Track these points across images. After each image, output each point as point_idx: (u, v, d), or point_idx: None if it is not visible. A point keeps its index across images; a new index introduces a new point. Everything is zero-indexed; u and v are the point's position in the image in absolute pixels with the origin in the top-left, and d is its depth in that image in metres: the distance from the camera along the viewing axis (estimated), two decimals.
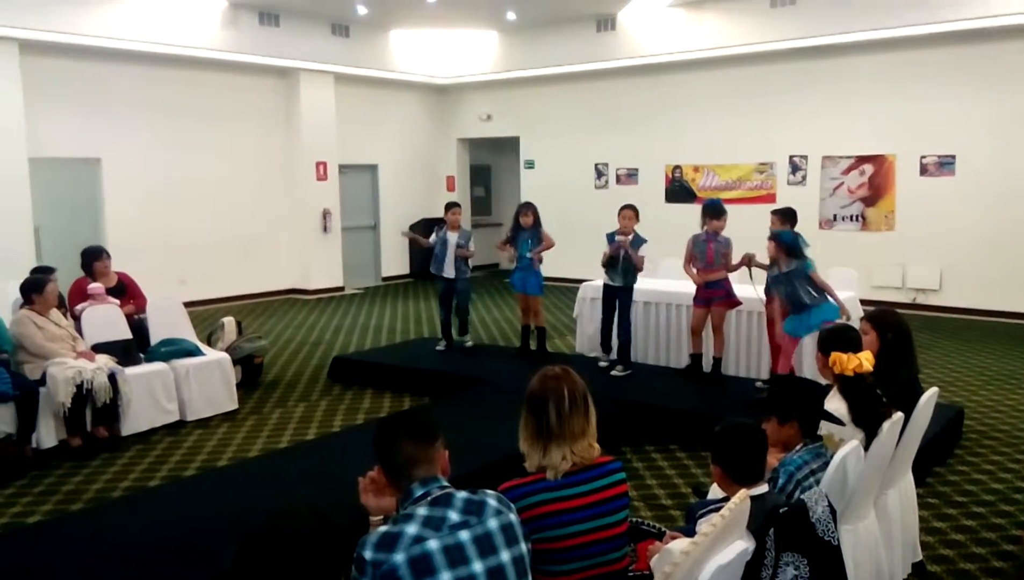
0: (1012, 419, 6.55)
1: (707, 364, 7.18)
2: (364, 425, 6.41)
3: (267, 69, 12.89)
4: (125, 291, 7.24)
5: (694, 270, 6.98)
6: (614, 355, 7.42)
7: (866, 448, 3.22)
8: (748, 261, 6.84)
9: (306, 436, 6.34)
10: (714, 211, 6.97)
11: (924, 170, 11.22)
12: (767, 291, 6.69)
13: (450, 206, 8.43)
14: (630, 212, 7.15)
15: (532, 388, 2.66)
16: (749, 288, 6.88)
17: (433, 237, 8.35)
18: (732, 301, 6.98)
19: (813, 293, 6.09)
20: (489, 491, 2.29)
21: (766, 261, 6.83)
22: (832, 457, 3.03)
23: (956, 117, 10.87)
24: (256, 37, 12.25)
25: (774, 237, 6.32)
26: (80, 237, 9.81)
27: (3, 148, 9.89)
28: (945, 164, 11.06)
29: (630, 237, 7.06)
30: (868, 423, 3.34)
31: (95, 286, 6.94)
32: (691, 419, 5.94)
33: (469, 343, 8.50)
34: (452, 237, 8.15)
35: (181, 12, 11.31)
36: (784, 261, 6.19)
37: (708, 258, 6.89)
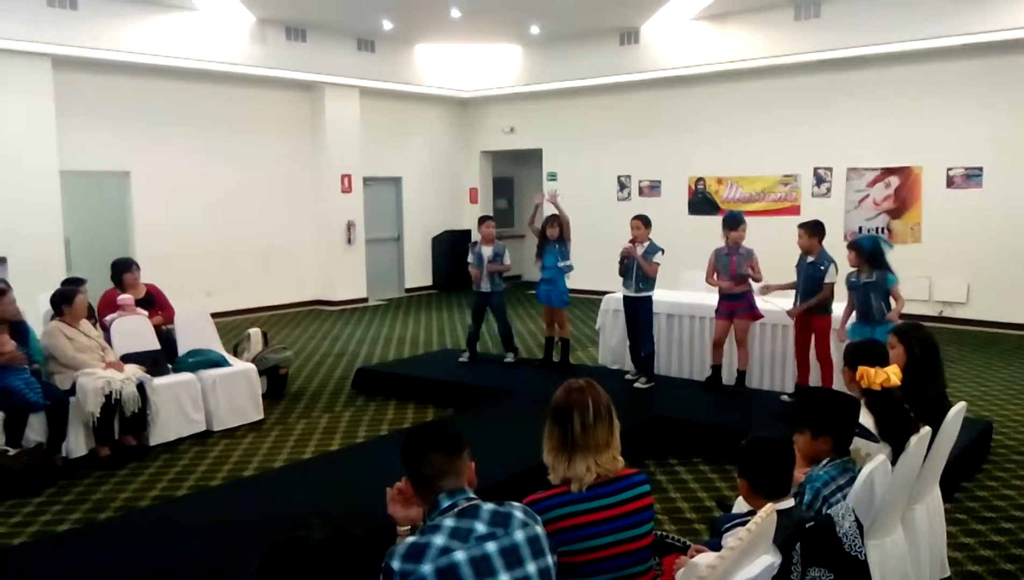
0: None
1: (731, 377, 7.16)
2: (388, 436, 6.44)
3: (294, 83, 13.05)
4: (154, 302, 7.33)
5: (716, 280, 7.00)
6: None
7: (893, 463, 3.19)
8: (765, 291, 6.83)
9: (331, 446, 6.38)
10: (731, 222, 6.98)
11: (951, 182, 11.11)
12: (801, 298, 6.64)
13: (483, 220, 8.41)
14: (637, 221, 7.18)
15: (556, 400, 2.67)
16: (775, 300, 6.86)
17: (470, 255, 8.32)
18: (755, 314, 6.96)
19: (885, 310, 5.99)
20: (515, 503, 2.30)
21: (788, 280, 6.81)
22: (859, 472, 3.02)
23: (983, 129, 10.77)
24: (283, 52, 12.41)
25: (853, 245, 6.16)
26: (109, 249, 9.95)
27: (35, 161, 10.07)
28: (972, 176, 10.95)
29: (644, 245, 7.08)
30: (895, 438, 3.32)
31: (124, 297, 7.03)
32: (715, 433, 5.92)
33: (509, 358, 8.24)
34: (487, 250, 8.11)
35: (210, 28, 11.49)
36: (866, 270, 6.05)
37: (731, 271, 6.88)
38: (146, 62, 11.00)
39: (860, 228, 11.70)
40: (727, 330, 6.99)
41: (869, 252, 6.05)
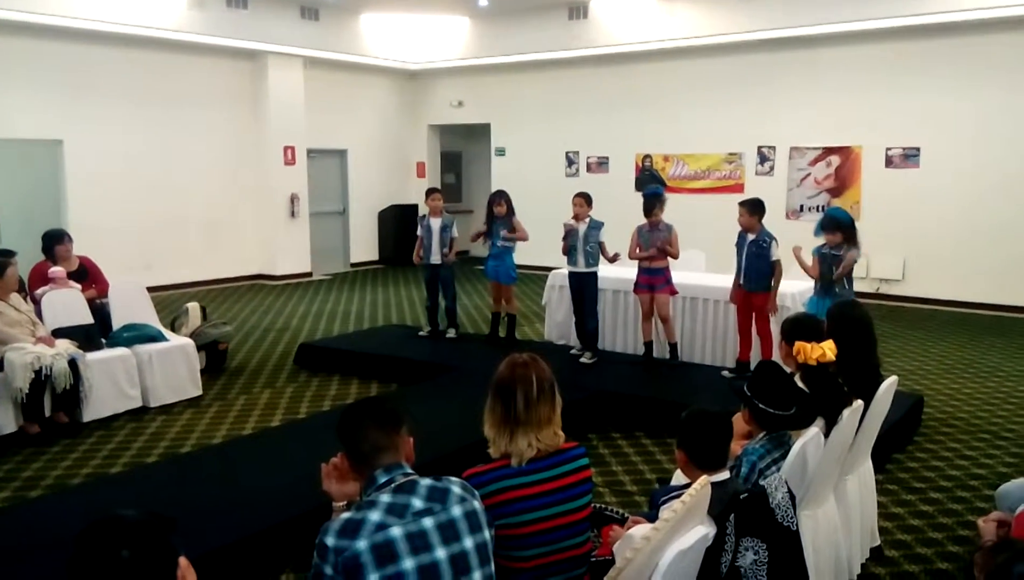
0: (970, 407, 6.69)
1: (664, 352, 7.26)
2: (330, 412, 6.37)
3: (235, 52, 12.70)
4: (87, 275, 7.12)
5: (638, 252, 7.10)
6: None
7: (826, 435, 3.26)
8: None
9: (271, 422, 6.29)
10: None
11: (889, 162, 11.37)
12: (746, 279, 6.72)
13: (430, 192, 8.35)
14: (580, 198, 7.23)
15: (500, 375, 2.66)
16: (720, 278, 6.95)
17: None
18: (672, 288, 7.08)
19: (846, 284, 6.15)
20: (453, 478, 2.29)
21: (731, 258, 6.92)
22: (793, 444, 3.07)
23: (921, 110, 11.02)
24: (224, 19, 12.06)
25: (835, 223, 6.30)
26: (41, 220, 9.63)
27: None
28: (910, 156, 11.22)
29: (586, 222, 7.14)
30: (829, 411, 3.39)
31: (56, 270, 6.81)
32: (657, 406, 5.98)
33: (450, 334, 8.28)
34: (435, 223, 8.06)
35: None
36: (844, 248, 6.22)
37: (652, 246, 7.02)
38: (80, 27, 10.58)
39: (801, 206, 11.92)
40: (651, 303, 7.09)
41: (849, 225, 6.26)
